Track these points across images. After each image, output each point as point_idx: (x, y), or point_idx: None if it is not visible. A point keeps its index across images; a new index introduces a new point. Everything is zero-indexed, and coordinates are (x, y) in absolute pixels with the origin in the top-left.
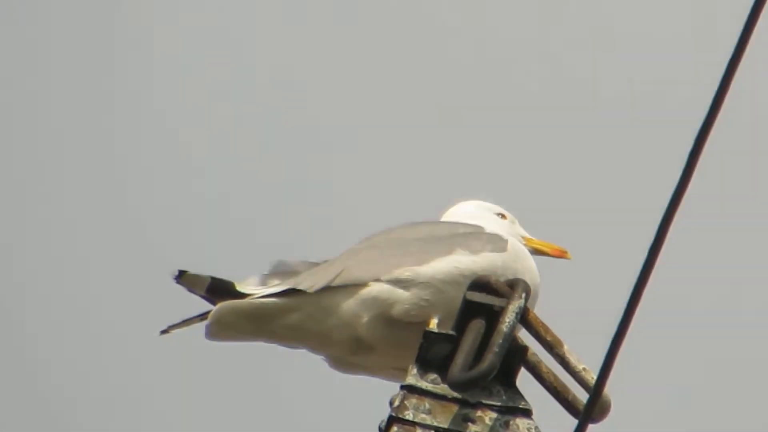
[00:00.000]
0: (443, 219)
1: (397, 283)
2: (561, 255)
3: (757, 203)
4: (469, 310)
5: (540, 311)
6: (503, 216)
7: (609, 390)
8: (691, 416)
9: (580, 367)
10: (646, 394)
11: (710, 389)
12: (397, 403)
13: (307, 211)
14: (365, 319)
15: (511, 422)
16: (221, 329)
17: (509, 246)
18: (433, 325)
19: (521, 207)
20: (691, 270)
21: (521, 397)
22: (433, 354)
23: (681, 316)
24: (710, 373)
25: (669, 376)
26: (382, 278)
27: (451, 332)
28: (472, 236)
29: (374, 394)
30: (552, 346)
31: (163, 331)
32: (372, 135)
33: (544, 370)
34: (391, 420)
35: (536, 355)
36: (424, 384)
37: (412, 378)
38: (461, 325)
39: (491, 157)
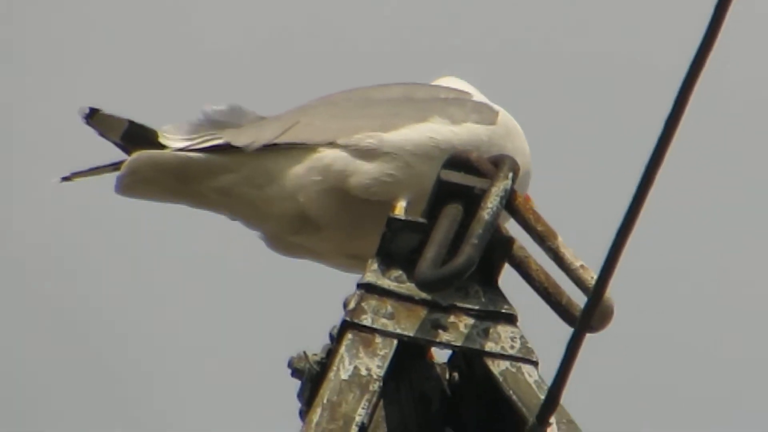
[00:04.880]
0: None
1: (357, 150)
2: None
3: None
4: (443, 192)
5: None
6: None
7: (611, 292)
8: (703, 327)
9: (577, 263)
10: (655, 298)
11: (728, 289)
12: (352, 305)
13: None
14: (313, 190)
15: (491, 329)
16: (136, 183)
17: (500, 119)
18: (400, 209)
19: None
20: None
21: (504, 299)
22: (399, 245)
23: (693, 209)
24: (727, 270)
25: (679, 275)
26: (338, 142)
27: (421, 219)
28: (454, 102)
29: (324, 289)
30: (543, 238)
31: (65, 178)
32: None
33: (533, 267)
34: (345, 325)
35: (524, 248)
36: (386, 282)
37: (372, 274)
38: (434, 210)
39: None
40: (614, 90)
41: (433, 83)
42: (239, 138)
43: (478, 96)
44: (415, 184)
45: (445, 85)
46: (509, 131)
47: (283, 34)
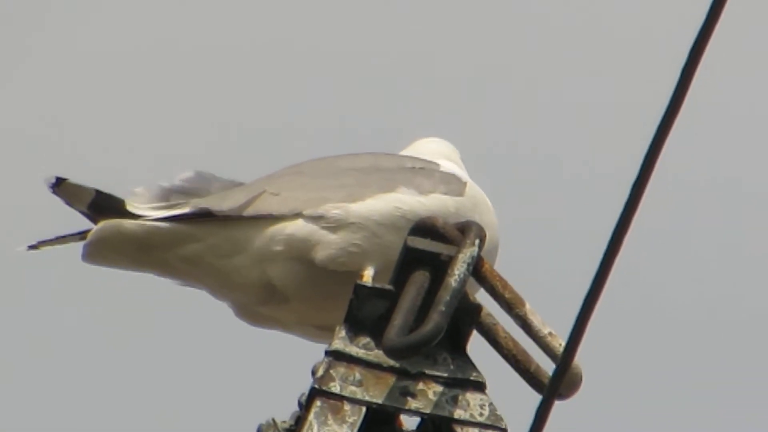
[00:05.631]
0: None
1: (322, 221)
2: None
3: None
4: (410, 259)
5: (499, 269)
6: None
7: (579, 360)
8: (673, 390)
9: (546, 330)
10: (623, 366)
11: (696, 357)
12: (321, 372)
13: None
14: (278, 260)
15: (460, 397)
16: (101, 252)
17: (467, 190)
18: (368, 277)
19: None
20: (676, 224)
21: (472, 366)
22: (366, 312)
23: (663, 276)
24: (697, 337)
25: (649, 344)
26: (304, 213)
27: (388, 286)
28: (421, 173)
29: (292, 357)
30: (511, 306)
31: (32, 247)
32: None
33: (501, 334)
34: (314, 393)
35: (492, 315)
36: (354, 349)
37: (340, 342)
38: (401, 277)
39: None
40: (583, 151)
41: (415, 143)
42: (206, 205)
43: (450, 164)
44: (382, 253)
45: (423, 148)
46: (477, 203)
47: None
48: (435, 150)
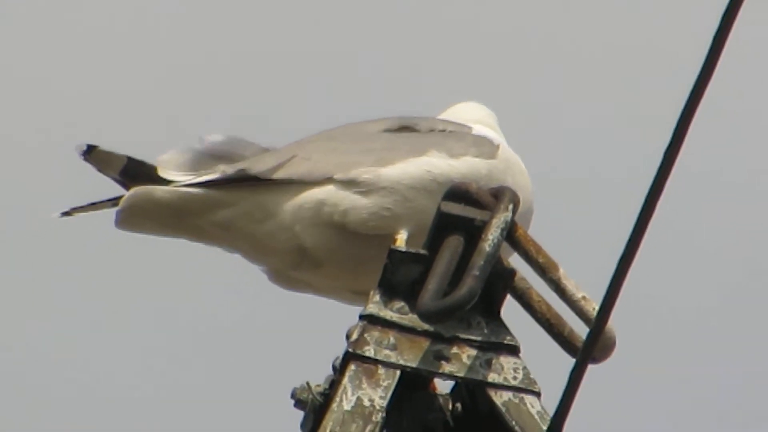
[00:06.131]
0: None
1: (353, 185)
2: None
3: None
4: (444, 224)
5: (533, 233)
6: None
7: (613, 323)
8: (708, 352)
9: (579, 295)
10: (658, 328)
11: (731, 319)
12: (355, 336)
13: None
14: (310, 225)
15: (493, 360)
16: (134, 218)
17: (500, 152)
18: (401, 241)
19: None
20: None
21: (506, 330)
22: (400, 277)
23: (696, 236)
24: (732, 298)
25: (684, 304)
26: (335, 177)
27: (422, 251)
28: (453, 136)
29: (327, 321)
30: (545, 270)
31: (65, 213)
32: None
33: (535, 298)
34: (348, 357)
35: (525, 280)
36: (388, 313)
37: (374, 306)
38: (434, 242)
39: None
40: (614, 120)
41: (451, 108)
42: (237, 170)
43: (483, 127)
44: (414, 217)
45: (458, 112)
46: (509, 165)
47: (288, 57)
48: (470, 114)
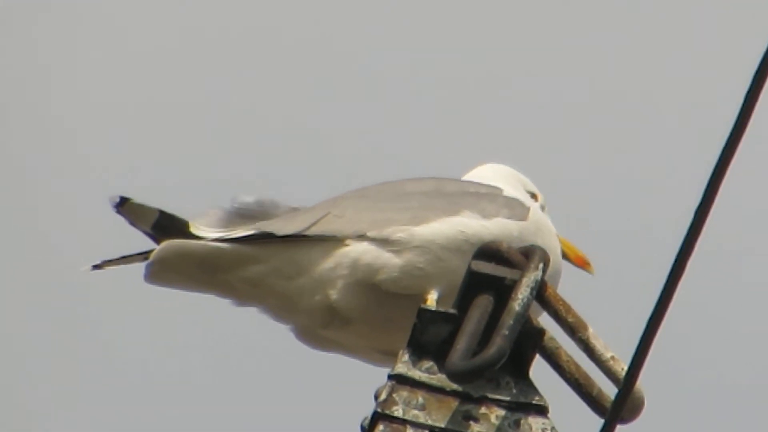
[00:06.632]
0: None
1: (386, 243)
2: (582, 265)
3: None
4: (474, 284)
5: (562, 292)
6: (534, 197)
7: (642, 384)
8: (737, 413)
9: (608, 355)
10: (685, 389)
11: (759, 381)
12: (384, 396)
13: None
14: (341, 283)
15: (522, 421)
16: (164, 272)
17: (530, 215)
18: (431, 301)
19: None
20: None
21: (535, 390)
22: (430, 337)
23: (726, 299)
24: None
25: (712, 367)
26: (368, 234)
27: (452, 310)
28: (485, 197)
29: (355, 380)
30: (574, 330)
31: (96, 266)
32: None
33: (564, 358)
34: (377, 417)
35: (555, 339)
36: (417, 373)
37: (403, 366)
38: (465, 301)
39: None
40: (640, 180)
41: (473, 171)
42: (270, 227)
43: (514, 189)
44: (445, 277)
45: (483, 173)
46: (540, 227)
47: (313, 134)
48: (495, 175)
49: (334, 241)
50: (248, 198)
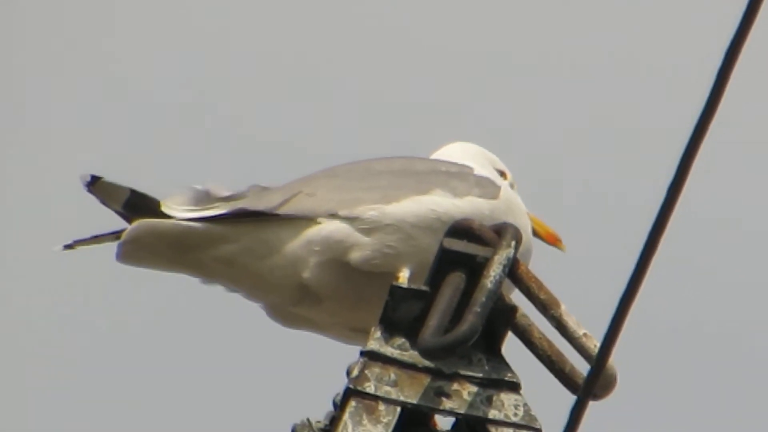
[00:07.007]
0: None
1: (358, 222)
2: (554, 242)
3: None
4: (446, 261)
5: (534, 270)
6: (503, 174)
7: (614, 361)
8: (707, 394)
9: (581, 332)
10: (658, 366)
11: (730, 363)
12: (356, 372)
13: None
14: (313, 262)
15: (494, 397)
16: (136, 252)
17: (501, 193)
18: (403, 279)
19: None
20: (718, 217)
21: (507, 367)
22: (401, 313)
23: (697, 273)
24: (732, 339)
25: (683, 343)
26: (339, 213)
27: (424, 287)
28: (456, 176)
29: (327, 357)
30: (546, 307)
31: (67, 246)
32: None
33: (536, 335)
34: (349, 393)
35: (527, 317)
36: (389, 350)
37: (375, 342)
38: (436, 279)
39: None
40: (618, 155)
41: (441, 149)
42: (242, 204)
43: (483, 167)
44: (417, 255)
45: (451, 152)
46: (511, 206)
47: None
48: (463, 153)
49: (306, 220)
50: (219, 182)
